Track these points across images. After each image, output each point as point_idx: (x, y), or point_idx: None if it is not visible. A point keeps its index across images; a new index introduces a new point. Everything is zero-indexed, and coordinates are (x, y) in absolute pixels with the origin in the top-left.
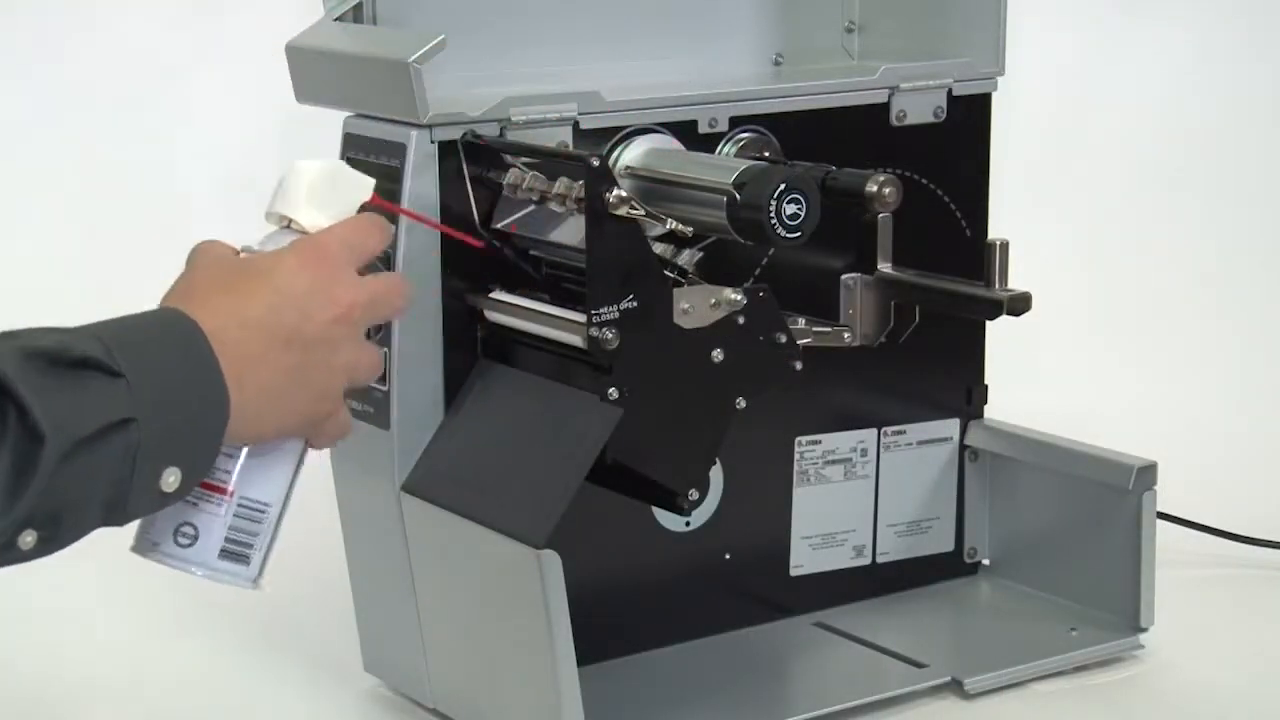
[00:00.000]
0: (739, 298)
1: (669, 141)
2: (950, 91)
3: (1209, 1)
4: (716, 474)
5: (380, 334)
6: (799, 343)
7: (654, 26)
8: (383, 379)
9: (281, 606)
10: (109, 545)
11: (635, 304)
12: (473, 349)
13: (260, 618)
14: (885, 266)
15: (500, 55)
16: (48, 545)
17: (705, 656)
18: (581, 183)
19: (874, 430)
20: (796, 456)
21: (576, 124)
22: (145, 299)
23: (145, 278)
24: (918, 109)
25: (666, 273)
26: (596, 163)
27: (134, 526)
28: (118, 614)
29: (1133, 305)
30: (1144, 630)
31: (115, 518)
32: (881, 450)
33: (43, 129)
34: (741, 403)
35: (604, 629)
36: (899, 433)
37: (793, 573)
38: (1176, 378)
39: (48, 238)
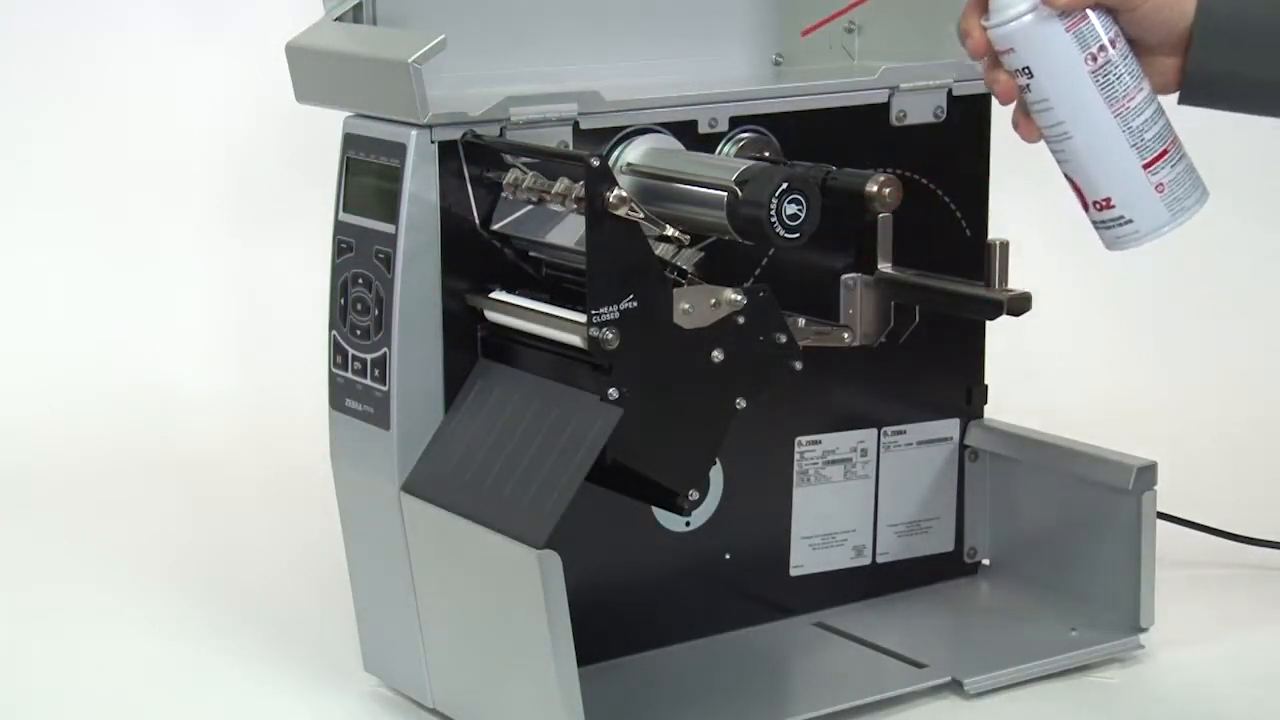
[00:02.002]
0: (739, 298)
1: (669, 141)
2: (950, 91)
3: None
4: (716, 474)
5: (381, 334)
6: (799, 343)
7: (654, 26)
8: (383, 379)
9: (281, 606)
10: (109, 545)
11: (635, 304)
12: (473, 349)
13: (260, 618)
14: (885, 266)
15: (500, 55)
16: None
17: (705, 656)
18: (581, 183)
19: (874, 430)
20: (796, 456)
21: (576, 124)
22: (145, 296)
23: (146, 275)
24: (918, 109)
25: (666, 273)
26: (596, 162)
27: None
28: (118, 613)
29: (1132, 305)
30: (1144, 630)
31: None
32: (881, 450)
33: (43, 128)
34: (741, 403)
35: (604, 629)
36: (899, 433)
37: (793, 573)
38: (1176, 377)
39: (49, 237)
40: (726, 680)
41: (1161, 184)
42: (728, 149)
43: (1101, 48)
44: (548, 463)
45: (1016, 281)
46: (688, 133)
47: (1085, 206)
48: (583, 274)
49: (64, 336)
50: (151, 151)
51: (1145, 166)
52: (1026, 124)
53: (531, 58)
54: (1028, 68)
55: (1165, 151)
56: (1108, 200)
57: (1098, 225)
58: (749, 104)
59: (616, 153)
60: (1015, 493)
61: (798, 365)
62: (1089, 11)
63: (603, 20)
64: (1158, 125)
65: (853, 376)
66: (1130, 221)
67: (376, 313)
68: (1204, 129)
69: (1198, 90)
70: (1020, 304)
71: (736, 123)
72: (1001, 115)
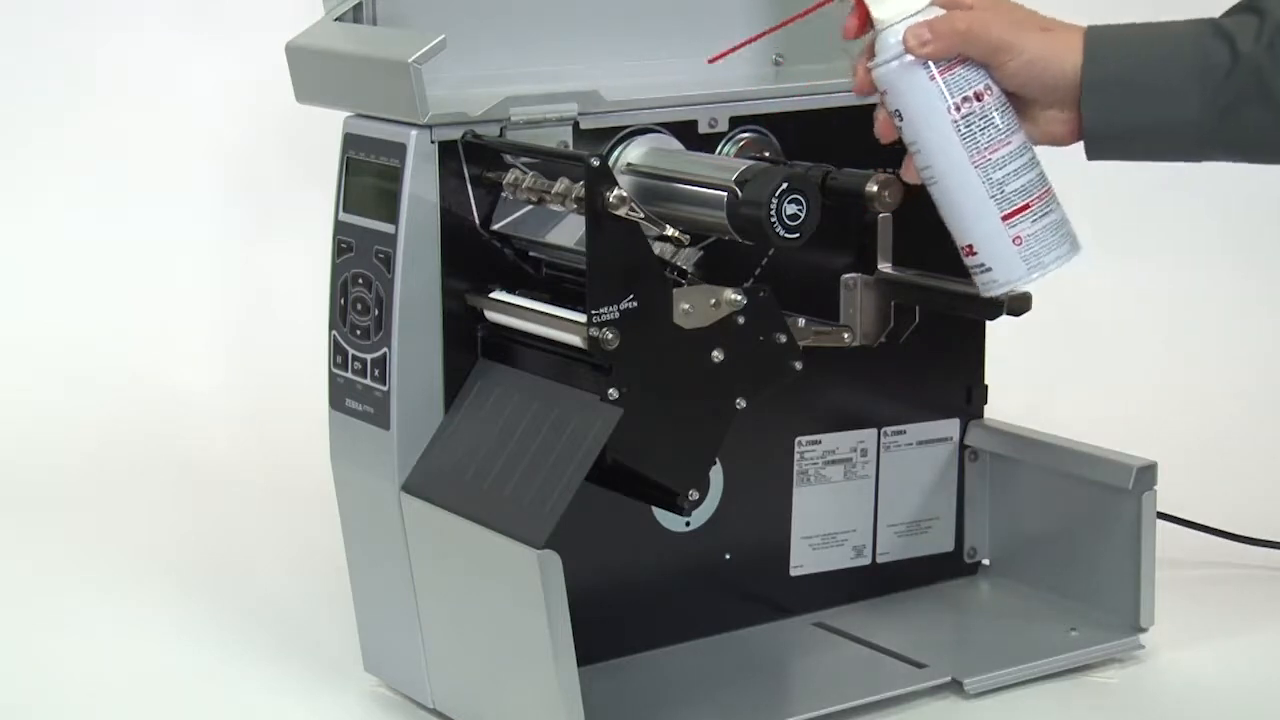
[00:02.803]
0: (739, 298)
1: (669, 141)
2: None
3: (1208, 2)
4: (716, 474)
5: (381, 334)
6: (799, 343)
7: (654, 26)
8: (383, 379)
9: (281, 606)
10: (108, 544)
11: (635, 304)
12: (473, 349)
13: (260, 618)
14: (885, 266)
15: (500, 55)
16: None
17: (705, 656)
18: (581, 183)
19: (874, 430)
20: (796, 456)
21: (576, 124)
22: (145, 296)
23: (145, 275)
24: None
25: (666, 273)
26: (596, 162)
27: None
28: (117, 613)
29: (1132, 305)
30: (1144, 630)
31: None
32: (881, 450)
33: (43, 128)
34: (741, 403)
35: (604, 629)
36: (899, 433)
37: (793, 573)
38: (1176, 378)
39: (49, 236)
40: (726, 680)
41: (1019, 237)
42: (728, 149)
43: (966, 99)
44: (548, 463)
45: None
46: (688, 133)
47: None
48: (583, 274)
49: (64, 336)
50: (152, 151)
51: (1004, 219)
52: (908, 166)
53: (531, 58)
54: (899, 110)
55: (1026, 205)
56: (970, 247)
57: (969, 270)
58: (749, 104)
59: (616, 153)
60: (1015, 493)
61: (798, 365)
62: (959, 63)
63: (603, 20)
64: (1023, 179)
65: (853, 376)
66: (990, 270)
67: (376, 313)
68: None
69: (1101, 145)
70: (1020, 304)
71: (736, 123)
72: None
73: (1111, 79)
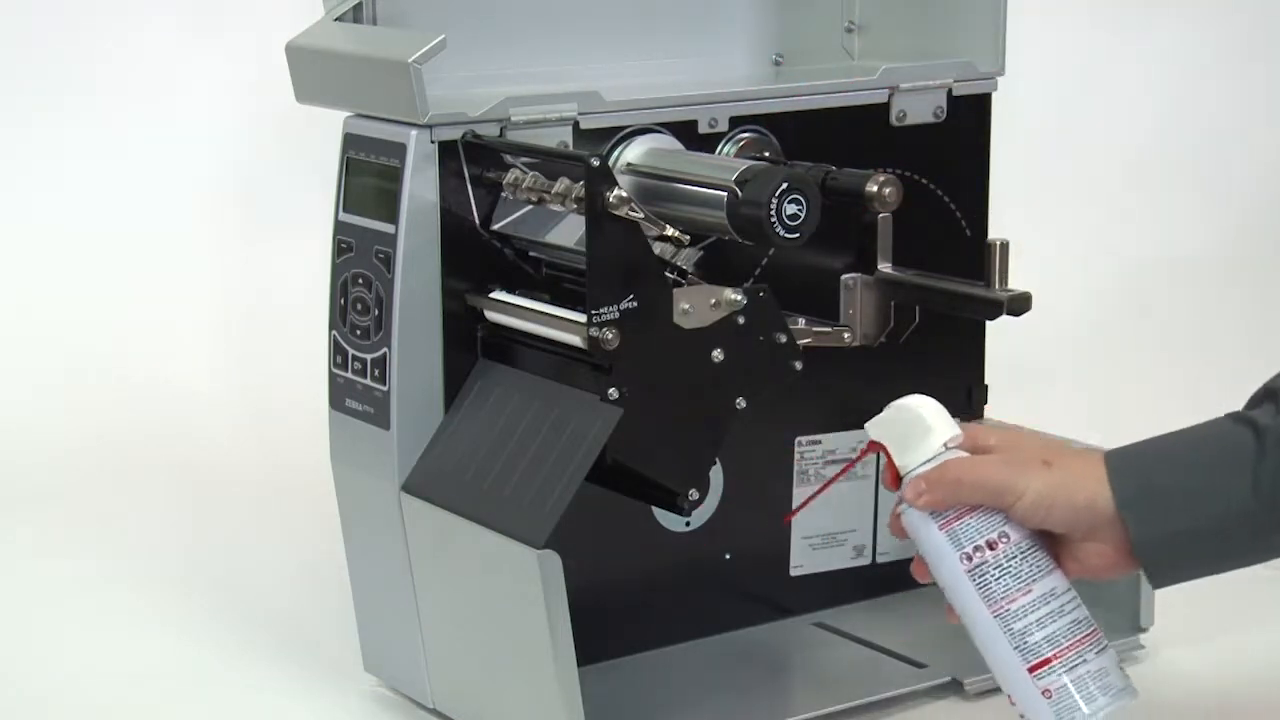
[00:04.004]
0: (739, 298)
1: (669, 141)
2: (950, 91)
3: (1209, 2)
4: (716, 474)
5: (381, 334)
6: (799, 343)
7: (654, 26)
8: (383, 379)
9: (281, 606)
10: (108, 544)
11: (635, 304)
12: (473, 349)
13: (260, 618)
14: (885, 266)
15: (500, 55)
16: None
17: (705, 656)
18: (581, 183)
19: None
20: (796, 456)
21: (576, 124)
22: (145, 296)
23: (145, 275)
24: (918, 109)
25: (666, 273)
26: (596, 162)
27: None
28: (117, 613)
29: (1132, 305)
30: (1144, 630)
31: None
32: None
33: (42, 129)
34: (741, 403)
35: (604, 629)
36: None
37: (793, 573)
38: (1176, 377)
39: (48, 238)
40: (726, 680)
41: (1048, 689)
42: (728, 149)
43: (978, 548)
44: (548, 463)
45: (1016, 281)
46: (688, 133)
47: None
48: (583, 274)
49: (63, 337)
50: (151, 151)
51: (1030, 670)
52: (950, 610)
53: (531, 58)
54: (924, 556)
55: (1052, 658)
56: (1010, 696)
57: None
58: (749, 104)
59: (616, 153)
60: None
61: (798, 365)
62: (969, 511)
63: (602, 20)
64: (1049, 628)
65: (853, 376)
66: None
67: (376, 313)
68: (1202, 130)
69: (1156, 562)
70: (1020, 304)
71: (736, 123)
72: (1000, 115)
73: (1154, 492)
